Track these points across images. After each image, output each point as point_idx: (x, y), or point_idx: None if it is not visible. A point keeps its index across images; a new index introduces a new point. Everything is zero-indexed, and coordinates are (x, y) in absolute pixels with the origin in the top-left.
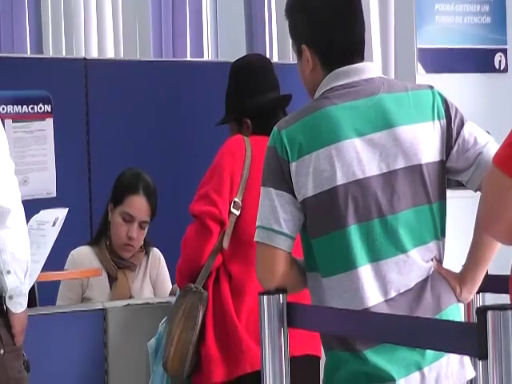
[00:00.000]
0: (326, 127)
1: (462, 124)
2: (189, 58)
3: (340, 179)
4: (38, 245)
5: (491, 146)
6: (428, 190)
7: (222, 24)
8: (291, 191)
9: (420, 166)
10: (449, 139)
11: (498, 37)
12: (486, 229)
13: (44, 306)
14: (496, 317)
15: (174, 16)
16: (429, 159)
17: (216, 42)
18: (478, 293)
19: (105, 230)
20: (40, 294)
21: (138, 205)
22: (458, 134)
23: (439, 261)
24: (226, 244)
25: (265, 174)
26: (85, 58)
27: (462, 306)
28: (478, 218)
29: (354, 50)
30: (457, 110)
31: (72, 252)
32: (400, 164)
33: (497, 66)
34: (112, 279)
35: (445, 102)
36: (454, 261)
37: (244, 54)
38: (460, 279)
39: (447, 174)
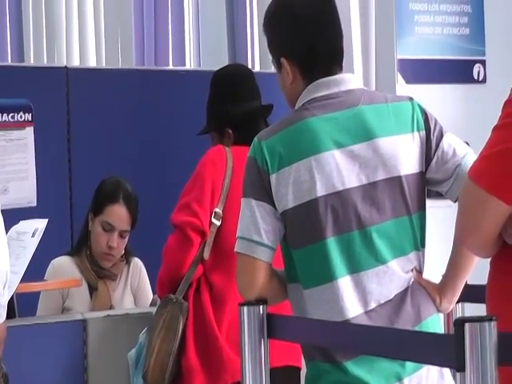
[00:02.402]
0: (306, 138)
1: (441, 135)
2: (171, 67)
3: (320, 191)
4: (18, 256)
5: (470, 158)
6: (407, 201)
7: (204, 33)
8: (272, 202)
9: (399, 177)
10: (428, 151)
11: (476, 48)
12: (462, 241)
13: (24, 317)
14: (473, 328)
15: (156, 24)
16: (408, 171)
17: (198, 51)
18: (457, 303)
19: (85, 239)
20: (20, 305)
21: (118, 214)
22: (438, 145)
23: (419, 271)
24: (206, 254)
25: (245, 184)
26: (66, 67)
27: (442, 316)
28: (455, 230)
29: (334, 61)
30: (436, 121)
31: (52, 262)
32: (380, 176)
33: (475, 77)
34: (92, 289)
35: (424, 113)
36: (435, 270)
37: (226, 62)
38: (440, 290)
39: (427, 185)
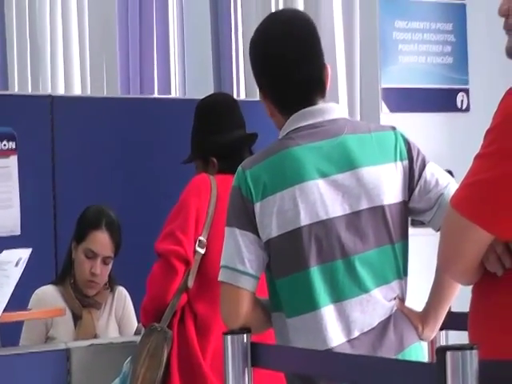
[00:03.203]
0: (290, 168)
1: (423, 165)
2: (156, 95)
3: (304, 220)
4: (1, 285)
5: (452, 187)
6: (390, 230)
7: (190, 61)
8: (255, 231)
9: (383, 207)
10: (411, 180)
11: (459, 77)
12: (444, 269)
13: (7, 346)
14: (455, 357)
15: (141, 53)
16: (391, 200)
17: (183, 80)
18: (442, 330)
19: (69, 268)
20: (3, 335)
21: (101, 240)
22: (420, 175)
23: (402, 299)
24: (190, 283)
25: (229, 213)
26: (50, 95)
27: (425, 344)
28: (438, 258)
29: (311, 92)
30: (419, 151)
31: (36, 291)
32: (363, 205)
33: (459, 106)
34: (77, 318)
35: (407, 143)
36: (418, 298)
37: (211, 91)
38: (422, 318)
39: (410, 215)
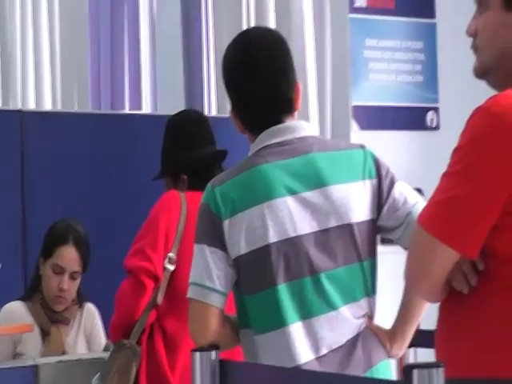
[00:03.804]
0: (259, 185)
1: (392, 183)
2: (127, 111)
3: (272, 237)
4: None
5: (420, 206)
6: (359, 248)
7: (161, 77)
8: (224, 248)
9: (351, 224)
10: (380, 198)
11: (429, 95)
12: (412, 287)
13: None
14: (422, 375)
15: (112, 68)
16: (360, 218)
17: (154, 95)
18: (410, 347)
19: (37, 284)
20: None
21: (68, 255)
22: (389, 193)
23: (370, 317)
24: (160, 300)
25: (198, 230)
26: (20, 110)
27: (394, 361)
28: (405, 276)
29: (280, 110)
30: (388, 169)
31: (4, 307)
32: (331, 223)
33: (429, 124)
34: (45, 334)
35: (376, 161)
36: (386, 316)
37: (183, 107)
38: (390, 335)
39: (379, 232)
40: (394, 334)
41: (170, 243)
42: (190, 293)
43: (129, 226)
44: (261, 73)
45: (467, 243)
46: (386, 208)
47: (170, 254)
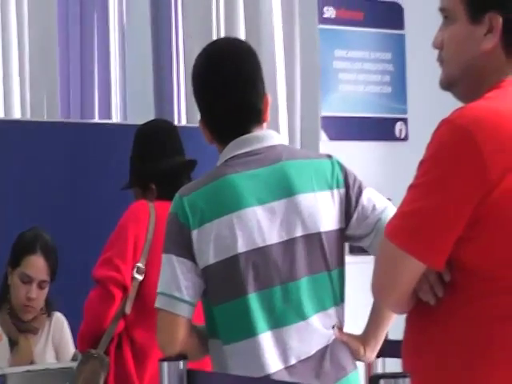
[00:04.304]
0: (228, 195)
1: (360, 191)
2: (97, 120)
3: (241, 247)
4: None
5: (390, 211)
6: (327, 257)
7: (131, 86)
8: (192, 258)
9: (319, 234)
10: (348, 207)
11: (398, 106)
12: (378, 299)
13: None
14: None
15: (82, 77)
16: (328, 227)
17: (124, 104)
18: (378, 357)
19: (5, 293)
20: None
21: (36, 264)
22: (357, 201)
23: (340, 326)
24: (128, 309)
25: (166, 240)
26: None
27: (362, 371)
28: (371, 288)
29: (248, 119)
30: (355, 177)
31: None
32: (300, 232)
33: (397, 135)
34: (13, 343)
35: (343, 170)
36: (357, 324)
37: (152, 116)
38: (363, 340)
39: (349, 240)
40: (366, 338)
41: (138, 253)
42: (158, 303)
43: (98, 235)
44: (229, 83)
45: (433, 254)
46: (355, 217)
47: (139, 264)
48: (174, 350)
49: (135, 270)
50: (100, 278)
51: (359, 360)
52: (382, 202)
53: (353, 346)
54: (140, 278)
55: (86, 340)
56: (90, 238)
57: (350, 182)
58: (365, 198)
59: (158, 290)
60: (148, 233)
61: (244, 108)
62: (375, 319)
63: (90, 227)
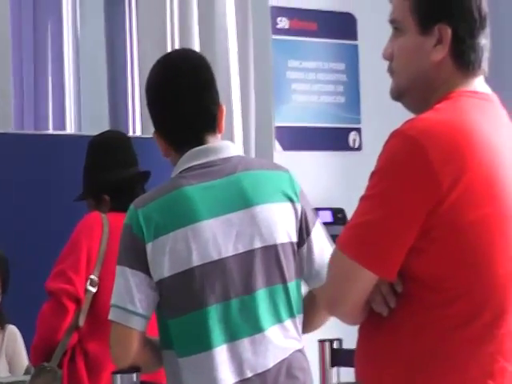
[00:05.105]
0: (183, 208)
1: (313, 223)
2: (51, 131)
3: (196, 260)
4: None
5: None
6: (283, 269)
7: (85, 97)
8: (147, 271)
9: (275, 246)
10: (300, 231)
11: (352, 116)
12: (330, 311)
13: None
14: None
15: (36, 88)
16: (284, 239)
17: (79, 115)
18: (333, 366)
19: None
20: None
21: None
22: (308, 234)
23: (296, 338)
24: (81, 322)
25: (120, 252)
26: None
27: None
28: (321, 299)
29: (203, 130)
30: (307, 202)
31: None
32: (256, 244)
33: (351, 145)
34: None
35: (300, 189)
36: (315, 336)
37: (107, 127)
38: None
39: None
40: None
41: (91, 265)
42: (112, 315)
43: (51, 247)
44: (184, 93)
45: (384, 265)
46: (303, 250)
47: (92, 276)
48: (127, 363)
49: (88, 282)
50: (53, 290)
51: None
52: (329, 249)
53: None
54: (93, 290)
55: (39, 353)
56: (42, 250)
57: (304, 203)
58: (314, 239)
59: (112, 302)
60: (101, 245)
61: (199, 113)
62: (312, 319)
63: (43, 239)
